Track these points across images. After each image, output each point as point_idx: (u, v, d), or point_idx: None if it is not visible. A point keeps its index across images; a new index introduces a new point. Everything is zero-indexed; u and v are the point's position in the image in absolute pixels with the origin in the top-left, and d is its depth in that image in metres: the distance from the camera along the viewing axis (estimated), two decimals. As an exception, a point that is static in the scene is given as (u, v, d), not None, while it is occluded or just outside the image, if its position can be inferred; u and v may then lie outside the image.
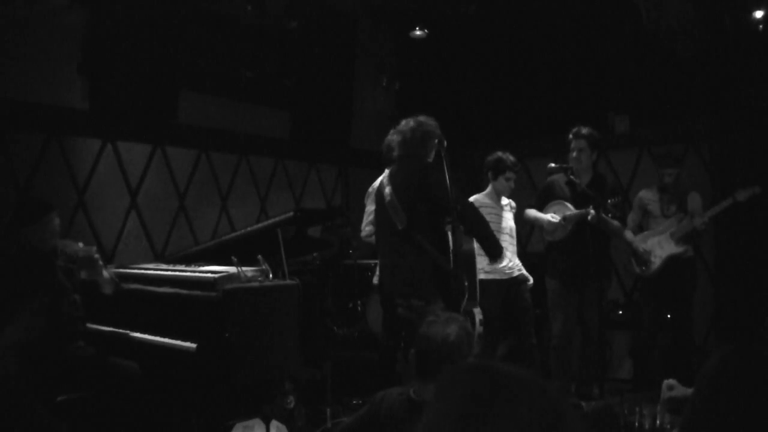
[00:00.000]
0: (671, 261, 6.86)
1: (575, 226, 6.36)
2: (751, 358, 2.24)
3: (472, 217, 5.24)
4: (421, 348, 3.31)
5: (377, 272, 6.02)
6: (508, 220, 6.68)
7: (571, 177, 6.40)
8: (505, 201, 6.79)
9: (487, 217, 6.53)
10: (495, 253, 5.43)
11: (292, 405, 5.35)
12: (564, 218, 6.39)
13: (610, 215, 6.25)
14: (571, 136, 6.60)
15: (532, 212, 6.70)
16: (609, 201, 6.14)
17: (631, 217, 7.11)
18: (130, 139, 7.56)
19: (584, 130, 6.55)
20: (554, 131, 6.94)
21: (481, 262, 6.36)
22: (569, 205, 6.45)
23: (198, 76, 8.02)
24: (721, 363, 2.18)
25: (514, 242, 6.76)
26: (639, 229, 7.10)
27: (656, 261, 6.89)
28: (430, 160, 5.24)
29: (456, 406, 1.35)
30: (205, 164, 8.36)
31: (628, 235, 6.95)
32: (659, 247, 6.90)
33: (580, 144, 6.53)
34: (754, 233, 7.90)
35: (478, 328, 5.64)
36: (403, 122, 5.35)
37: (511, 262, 6.62)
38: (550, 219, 6.47)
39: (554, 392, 1.39)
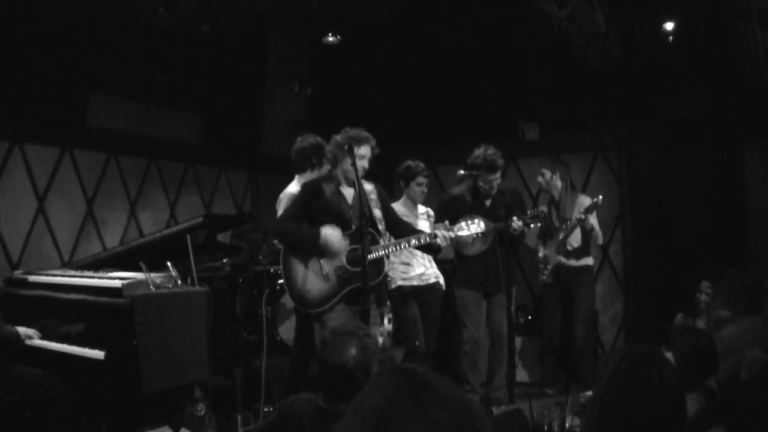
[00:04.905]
0: (562, 269, 7.13)
1: (492, 238, 6.45)
2: (662, 364, 2.33)
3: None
4: (321, 373, 3.28)
5: None
6: (424, 228, 6.69)
7: (479, 183, 6.49)
8: (422, 210, 6.83)
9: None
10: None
11: (202, 412, 5.31)
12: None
13: (532, 225, 6.36)
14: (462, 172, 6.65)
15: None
16: (529, 212, 6.27)
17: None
18: (37, 141, 7.39)
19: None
20: (466, 138, 7.00)
21: (398, 269, 6.44)
22: (480, 219, 6.50)
23: (108, 78, 7.90)
24: (631, 369, 2.26)
25: None
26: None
27: (549, 269, 7.19)
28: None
29: (376, 408, 1.36)
30: (114, 168, 8.21)
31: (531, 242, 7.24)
32: (550, 255, 7.16)
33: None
34: (660, 241, 8.14)
35: (387, 327, 5.69)
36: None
37: (428, 270, 6.67)
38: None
39: (474, 404, 1.41)
